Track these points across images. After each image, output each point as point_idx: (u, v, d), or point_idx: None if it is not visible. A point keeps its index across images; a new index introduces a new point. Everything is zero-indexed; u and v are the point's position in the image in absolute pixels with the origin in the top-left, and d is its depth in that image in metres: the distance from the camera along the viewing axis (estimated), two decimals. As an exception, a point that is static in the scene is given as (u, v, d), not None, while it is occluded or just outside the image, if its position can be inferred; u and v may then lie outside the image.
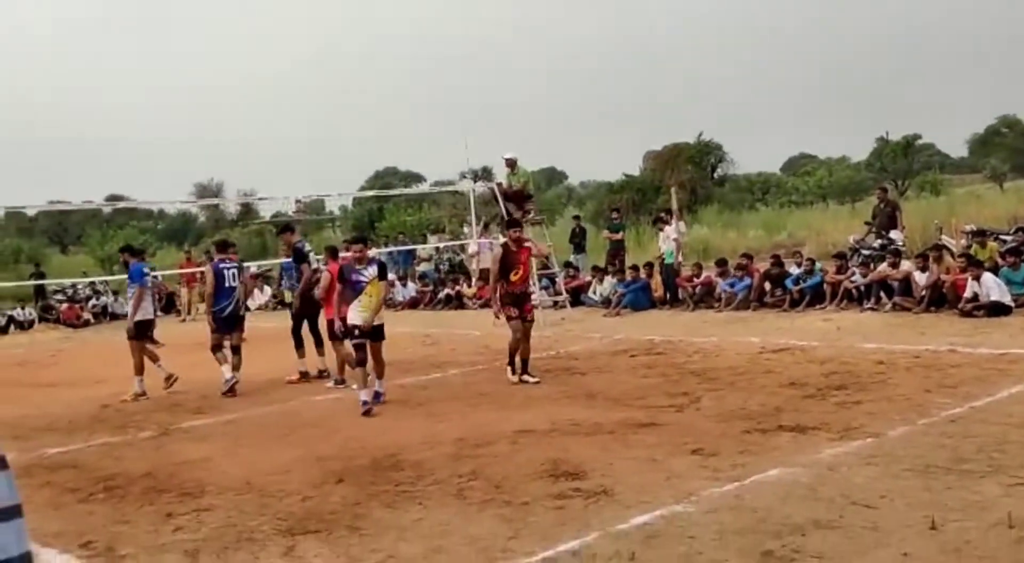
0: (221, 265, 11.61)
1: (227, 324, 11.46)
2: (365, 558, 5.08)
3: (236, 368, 11.27)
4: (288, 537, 5.53)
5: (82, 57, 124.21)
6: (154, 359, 11.62)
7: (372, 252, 20.63)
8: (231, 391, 11.01)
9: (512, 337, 10.39)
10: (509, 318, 10.39)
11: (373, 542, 5.32)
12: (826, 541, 4.77)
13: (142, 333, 11.65)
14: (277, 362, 12.50)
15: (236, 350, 11.44)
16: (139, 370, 11.39)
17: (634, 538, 5.00)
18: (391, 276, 17.77)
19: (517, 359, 10.53)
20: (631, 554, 4.75)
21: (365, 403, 9.24)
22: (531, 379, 10.31)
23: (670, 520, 5.27)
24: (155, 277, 11.92)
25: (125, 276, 12.34)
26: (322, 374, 11.80)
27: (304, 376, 11.83)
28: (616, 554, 4.78)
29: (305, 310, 12.09)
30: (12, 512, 1.05)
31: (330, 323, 10.87)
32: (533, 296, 17.36)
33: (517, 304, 10.40)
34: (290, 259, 12.74)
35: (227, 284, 11.48)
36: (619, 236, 21.35)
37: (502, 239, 18.66)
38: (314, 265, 12.23)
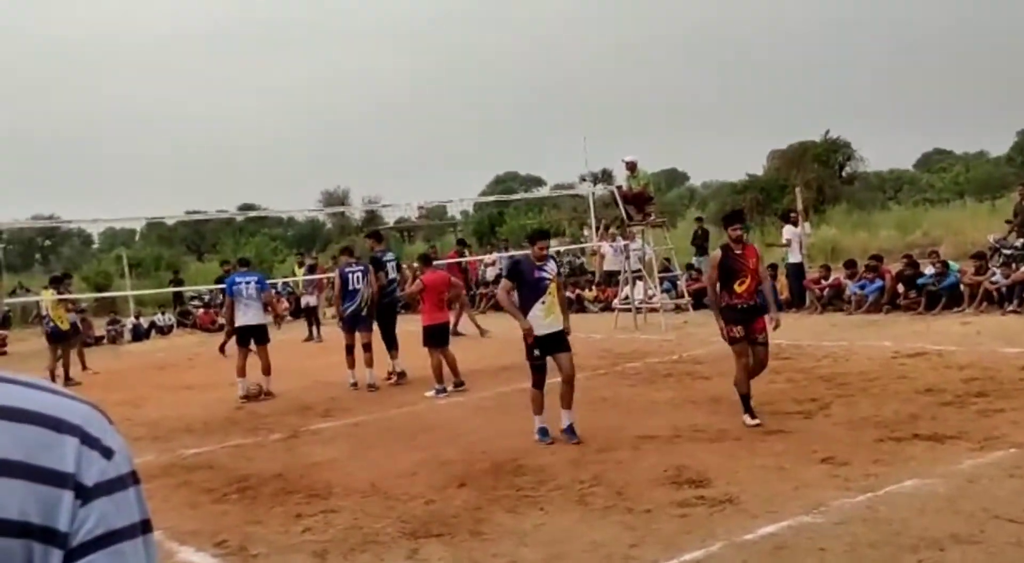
0: (347, 269, 12.28)
1: (352, 323, 12.13)
2: (486, 562, 5.10)
3: (369, 364, 11.90)
4: (412, 540, 5.61)
5: (212, 71, 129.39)
6: (241, 372, 11.89)
7: (492, 256, 20.74)
8: (357, 386, 11.90)
9: (737, 366, 8.07)
10: (732, 340, 8.07)
11: (494, 547, 5.35)
12: (966, 556, 4.54)
13: (241, 340, 12.13)
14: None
15: (367, 347, 11.98)
16: (241, 372, 11.87)
17: (761, 549, 4.88)
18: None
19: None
20: (758, 565, 4.63)
21: (544, 434, 7.91)
22: (750, 421, 7.92)
23: (799, 531, 5.11)
24: (254, 284, 12.21)
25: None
26: (398, 377, 12.22)
27: (400, 375, 12.22)
28: (742, 565, 4.67)
29: (381, 316, 12.53)
30: (141, 528, 1.08)
31: (426, 329, 11.07)
32: (656, 298, 17.23)
33: (744, 321, 8.04)
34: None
35: (351, 286, 12.10)
36: (743, 238, 20.89)
37: (621, 242, 18.61)
38: (392, 275, 12.63)
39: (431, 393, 10.90)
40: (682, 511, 5.66)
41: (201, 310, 26.39)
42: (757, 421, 7.86)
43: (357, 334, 12.10)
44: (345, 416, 10.15)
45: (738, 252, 8.15)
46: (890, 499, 5.55)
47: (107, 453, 1.07)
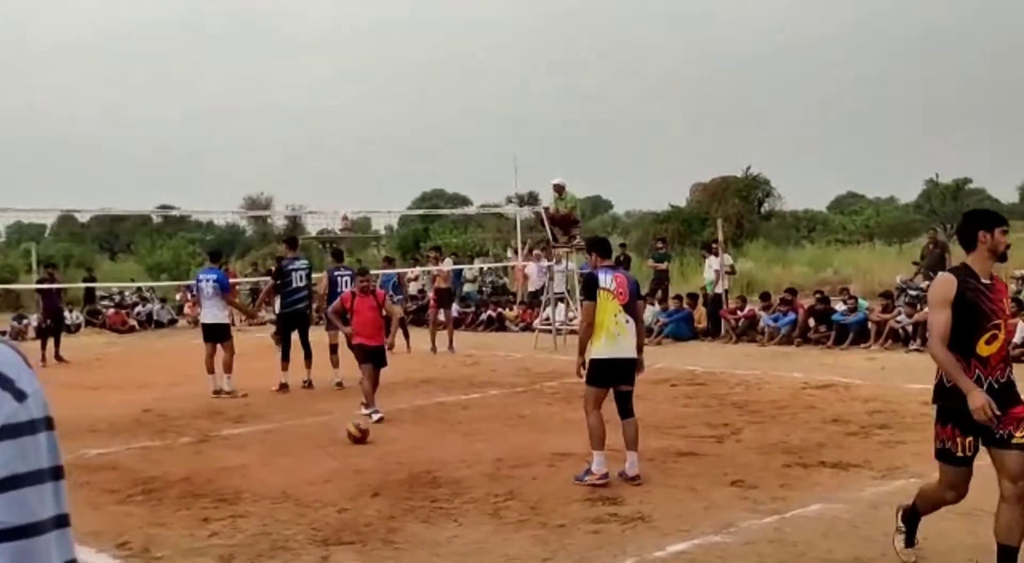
0: (335, 272, 12.64)
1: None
2: (398, 572, 5.07)
3: (335, 366, 12.27)
4: (322, 547, 5.54)
5: (135, 69, 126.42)
6: (208, 367, 12.01)
7: (415, 270, 20.41)
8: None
9: (939, 485, 4.79)
10: (948, 456, 4.59)
11: (407, 556, 5.32)
12: (867, 579, 4.67)
13: (205, 337, 12.28)
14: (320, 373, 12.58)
15: (333, 349, 12.29)
16: (208, 369, 12.00)
17: (671, 566, 4.95)
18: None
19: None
20: (667, 581, 4.70)
21: (603, 476, 6.73)
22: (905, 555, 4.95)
23: (707, 549, 5.20)
24: (213, 282, 12.22)
25: (171, 283, 12.66)
26: (307, 384, 12.27)
27: (283, 387, 12.08)
28: (652, 580, 4.73)
29: (288, 324, 12.59)
30: (51, 474, 1.06)
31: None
32: (576, 320, 17.28)
33: (998, 403, 4.40)
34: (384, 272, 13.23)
35: (340, 289, 12.09)
36: (663, 266, 21.30)
37: (545, 263, 18.73)
38: (298, 284, 12.39)
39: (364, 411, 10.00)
40: (595, 527, 5.71)
41: (112, 310, 25.66)
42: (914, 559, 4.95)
43: (332, 332, 12.30)
44: (258, 422, 9.98)
45: (986, 282, 4.66)
46: (796, 522, 5.70)
47: (19, 395, 1.04)
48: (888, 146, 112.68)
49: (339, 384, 12.10)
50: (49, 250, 41.23)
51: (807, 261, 28.59)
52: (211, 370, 11.96)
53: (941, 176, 44.16)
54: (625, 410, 7.03)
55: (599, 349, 6.82)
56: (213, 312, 12.24)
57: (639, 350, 7.03)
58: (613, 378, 6.92)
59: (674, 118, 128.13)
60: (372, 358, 9.96)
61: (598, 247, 7.39)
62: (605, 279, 6.89)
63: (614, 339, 6.80)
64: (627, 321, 6.84)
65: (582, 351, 6.90)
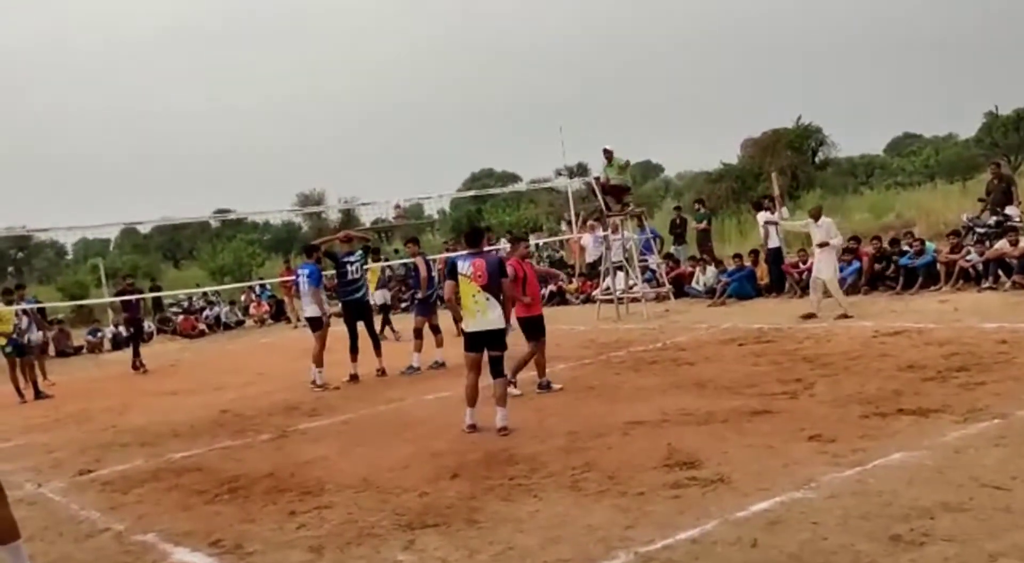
0: (428, 258, 13.59)
1: (425, 308, 13.16)
2: (484, 550, 5.13)
3: (417, 350, 12.74)
4: (408, 531, 5.62)
5: (183, 73, 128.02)
6: (317, 361, 12.33)
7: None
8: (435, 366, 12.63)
9: None
10: None
11: (491, 534, 5.37)
12: (957, 524, 4.61)
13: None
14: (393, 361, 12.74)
15: (418, 333, 12.93)
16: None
17: (755, 525, 4.93)
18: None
19: None
20: (753, 541, 4.68)
21: (471, 426, 8.27)
22: None
23: (791, 506, 5.17)
24: (305, 277, 12.80)
25: (234, 285, 12.97)
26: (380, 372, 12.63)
27: (354, 378, 12.40)
28: (738, 540, 4.72)
29: (349, 314, 12.77)
30: None
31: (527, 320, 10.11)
32: (637, 288, 17.21)
33: None
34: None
35: (433, 273, 13.64)
36: (703, 225, 21.23)
37: (601, 232, 18.64)
38: (353, 276, 12.57)
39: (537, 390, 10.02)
40: (675, 492, 5.71)
41: (181, 316, 26.21)
42: None
43: (419, 318, 13.05)
44: (333, 414, 10.15)
45: None
46: (879, 472, 5.63)
47: None
48: (943, 82, 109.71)
49: (442, 364, 12.57)
50: (116, 263, 42.18)
51: (867, 207, 28.04)
52: (318, 363, 12.34)
53: (1001, 107, 42.79)
54: (496, 371, 8.21)
55: (467, 324, 8.30)
56: (308, 305, 12.70)
57: (507, 320, 8.37)
58: (481, 345, 8.21)
59: (721, 72, 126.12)
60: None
61: (464, 236, 8.85)
62: (463, 266, 8.22)
63: (474, 315, 8.18)
64: (487, 298, 8.10)
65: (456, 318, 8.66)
